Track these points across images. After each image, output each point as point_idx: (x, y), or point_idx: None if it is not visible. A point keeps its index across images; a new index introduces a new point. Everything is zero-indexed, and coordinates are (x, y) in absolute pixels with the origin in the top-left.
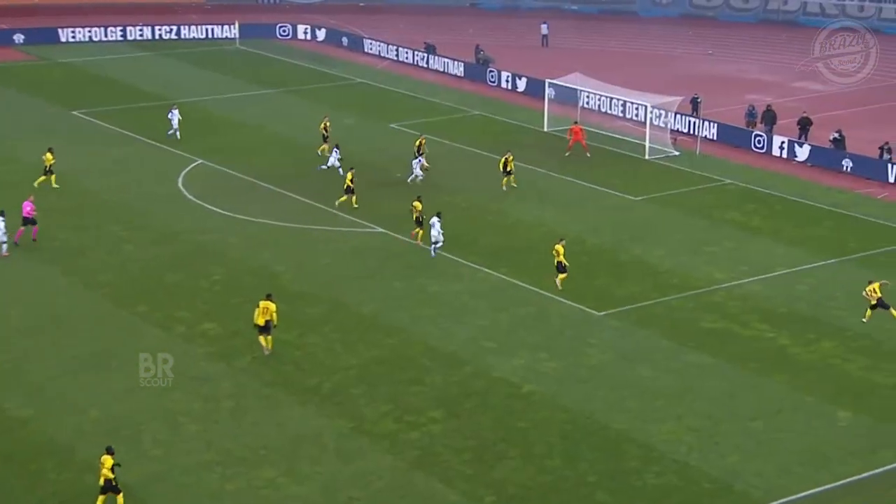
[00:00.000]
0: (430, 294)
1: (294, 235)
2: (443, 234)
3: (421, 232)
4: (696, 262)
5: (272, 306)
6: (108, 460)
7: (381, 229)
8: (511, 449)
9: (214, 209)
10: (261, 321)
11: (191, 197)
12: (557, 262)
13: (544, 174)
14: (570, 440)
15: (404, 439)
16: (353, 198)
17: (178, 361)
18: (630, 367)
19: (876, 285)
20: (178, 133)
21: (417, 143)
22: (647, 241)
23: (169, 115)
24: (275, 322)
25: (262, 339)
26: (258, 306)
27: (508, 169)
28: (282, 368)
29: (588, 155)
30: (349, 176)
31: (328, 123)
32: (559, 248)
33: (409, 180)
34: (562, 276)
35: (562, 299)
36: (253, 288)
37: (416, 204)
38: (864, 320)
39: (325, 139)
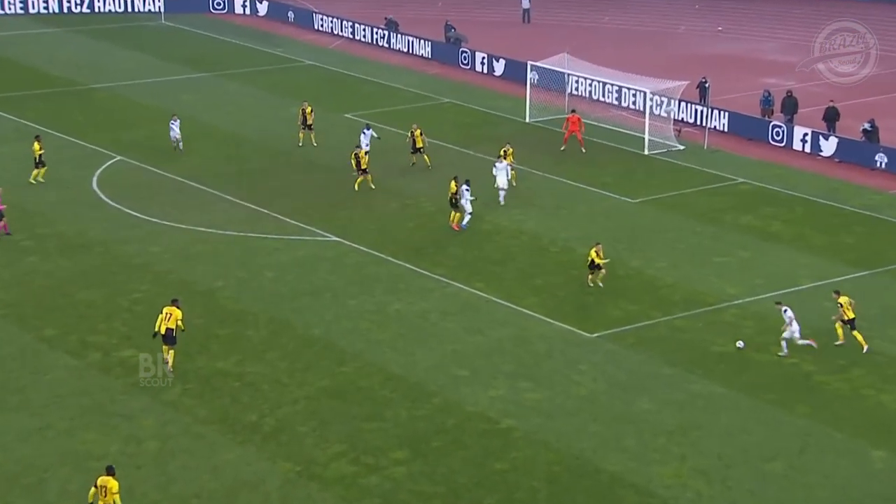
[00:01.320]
0: (392, 313)
1: (232, 245)
2: (472, 203)
3: (457, 216)
4: (704, 275)
5: (178, 313)
6: (112, 483)
7: (334, 237)
8: (488, 495)
9: (136, 214)
10: (162, 329)
11: (107, 199)
12: (591, 260)
13: (526, 172)
14: (557, 484)
15: (362, 485)
16: (369, 177)
17: (92, 396)
18: (627, 399)
19: (846, 300)
20: (180, 144)
21: (410, 133)
22: (646, 251)
23: (171, 126)
24: (182, 327)
25: (165, 350)
26: (161, 312)
27: (508, 161)
28: (217, 402)
29: (583, 150)
30: (362, 154)
31: (309, 109)
32: (594, 252)
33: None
34: (598, 273)
35: (547, 319)
36: (186, 306)
37: (452, 184)
38: (866, 349)
39: (306, 127)
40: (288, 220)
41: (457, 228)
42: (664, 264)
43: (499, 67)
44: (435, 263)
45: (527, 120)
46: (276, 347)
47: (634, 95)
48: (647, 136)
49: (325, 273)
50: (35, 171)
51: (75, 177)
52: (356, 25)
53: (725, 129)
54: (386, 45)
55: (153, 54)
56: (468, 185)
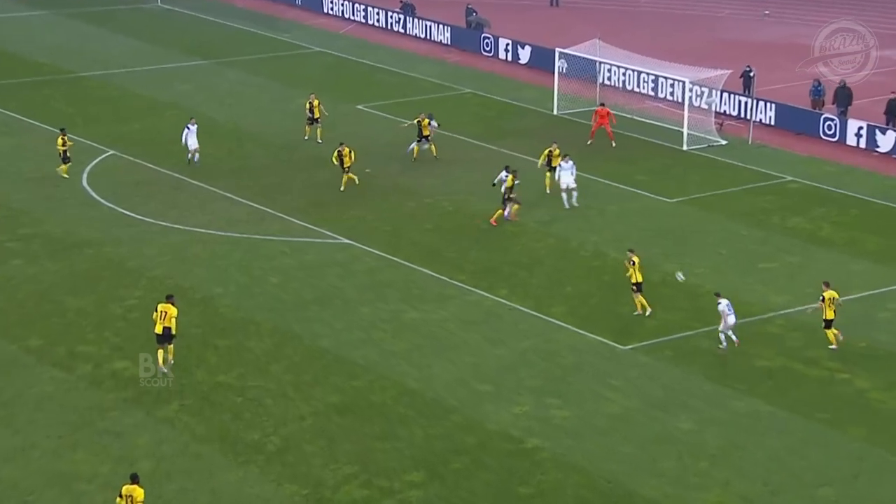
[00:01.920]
0: (408, 322)
1: (233, 247)
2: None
3: (500, 212)
4: (747, 283)
5: (172, 310)
6: (138, 492)
7: (344, 239)
8: None
9: (129, 213)
10: (159, 328)
11: (98, 197)
12: (632, 281)
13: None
14: None
15: None
16: (353, 176)
17: (80, 412)
18: (663, 418)
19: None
20: (197, 156)
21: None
22: (684, 256)
23: (184, 133)
24: (174, 331)
25: (160, 352)
26: (155, 310)
27: (553, 165)
28: (217, 419)
29: (613, 145)
30: (346, 152)
31: (317, 102)
32: (636, 259)
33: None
34: (639, 297)
35: (577, 330)
36: (182, 315)
37: (510, 178)
38: (832, 347)
39: (313, 121)
40: (294, 220)
41: (515, 218)
42: (704, 270)
43: (524, 55)
44: (454, 268)
45: (554, 112)
46: (280, 359)
47: (672, 85)
48: (685, 130)
49: (334, 278)
50: (64, 166)
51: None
52: (369, 9)
53: (772, 123)
54: (401, 31)
55: (148, 40)
56: (509, 172)
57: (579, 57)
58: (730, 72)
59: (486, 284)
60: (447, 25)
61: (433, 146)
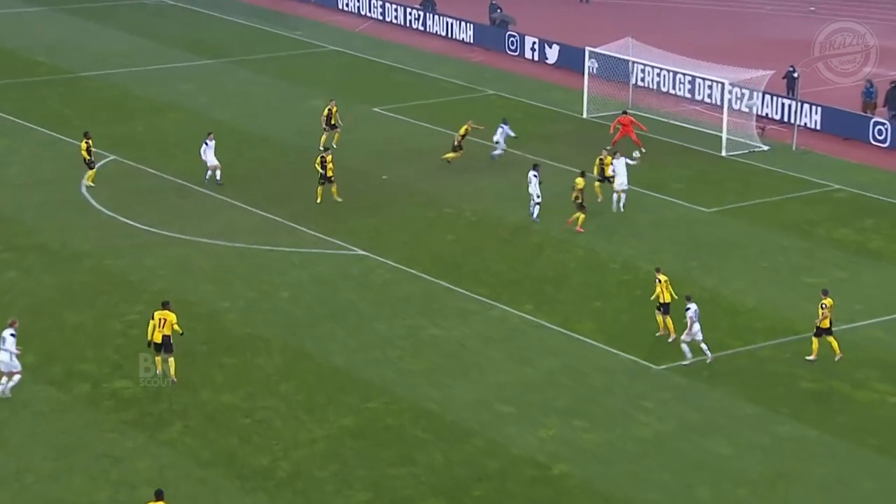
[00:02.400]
0: (426, 339)
1: (241, 259)
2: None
3: (581, 217)
4: (791, 299)
5: (172, 316)
6: None
7: (359, 251)
8: None
9: (130, 222)
10: (157, 337)
11: (97, 205)
12: (659, 301)
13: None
14: None
15: None
16: (334, 188)
17: (78, 434)
18: (700, 442)
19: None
20: (218, 173)
21: (463, 130)
22: (723, 269)
23: (203, 148)
24: (179, 330)
25: (157, 360)
26: (152, 318)
27: (606, 175)
28: (224, 442)
29: (643, 150)
30: (329, 159)
31: (335, 109)
32: (663, 278)
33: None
34: (667, 319)
35: (607, 348)
36: (186, 331)
37: (579, 181)
38: (810, 357)
39: (332, 126)
40: (306, 229)
41: (580, 230)
42: (744, 285)
43: (552, 54)
44: (476, 282)
45: (584, 115)
46: (291, 379)
47: (710, 87)
48: (724, 135)
49: (348, 292)
50: (92, 172)
51: (61, 178)
52: (387, 5)
53: (818, 127)
54: (421, 28)
55: (151, 37)
56: (537, 172)
57: (611, 56)
58: (772, 72)
59: (509, 299)
60: (470, 23)
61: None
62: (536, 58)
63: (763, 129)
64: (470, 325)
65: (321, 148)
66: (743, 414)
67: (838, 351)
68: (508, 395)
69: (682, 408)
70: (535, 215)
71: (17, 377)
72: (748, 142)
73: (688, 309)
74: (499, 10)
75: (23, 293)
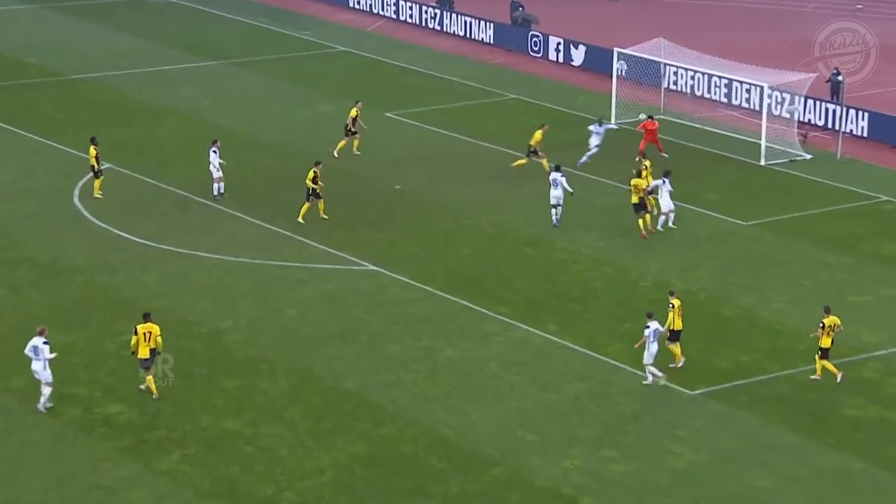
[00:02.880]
0: (443, 361)
1: (245, 275)
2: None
3: (648, 217)
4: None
5: (156, 329)
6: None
7: (371, 266)
8: None
9: (126, 235)
10: (144, 352)
11: (90, 217)
12: (670, 328)
13: (611, 187)
14: None
15: None
16: (321, 204)
17: (69, 462)
18: (736, 474)
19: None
20: (222, 186)
21: (538, 135)
22: (762, 288)
23: (210, 157)
24: (160, 347)
25: (150, 379)
26: (135, 333)
27: (648, 188)
28: (225, 471)
29: (665, 156)
30: (311, 175)
31: (359, 113)
32: (676, 302)
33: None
34: (674, 348)
35: (637, 372)
36: (185, 352)
37: (638, 182)
38: (814, 377)
39: (349, 133)
40: (313, 243)
41: (647, 235)
42: (784, 304)
43: (578, 56)
44: (496, 300)
45: (612, 122)
46: (297, 403)
47: (748, 91)
48: (763, 143)
49: (359, 310)
50: (96, 183)
51: (52, 188)
52: (401, 2)
53: (864, 134)
54: (437, 28)
55: (149, 37)
56: (561, 172)
57: (641, 58)
58: (815, 75)
59: (532, 319)
60: (489, 22)
61: (544, 161)
62: (561, 59)
63: (805, 137)
64: (489, 347)
65: (335, 155)
66: (783, 443)
67: (818, 374)
68: (531, 421)
69: (717, 436)
70: (556, 219)
71: (48, 390)
72: (789, 150)
73: (647, 327)
74: (520, 9)
75: (10, 311)
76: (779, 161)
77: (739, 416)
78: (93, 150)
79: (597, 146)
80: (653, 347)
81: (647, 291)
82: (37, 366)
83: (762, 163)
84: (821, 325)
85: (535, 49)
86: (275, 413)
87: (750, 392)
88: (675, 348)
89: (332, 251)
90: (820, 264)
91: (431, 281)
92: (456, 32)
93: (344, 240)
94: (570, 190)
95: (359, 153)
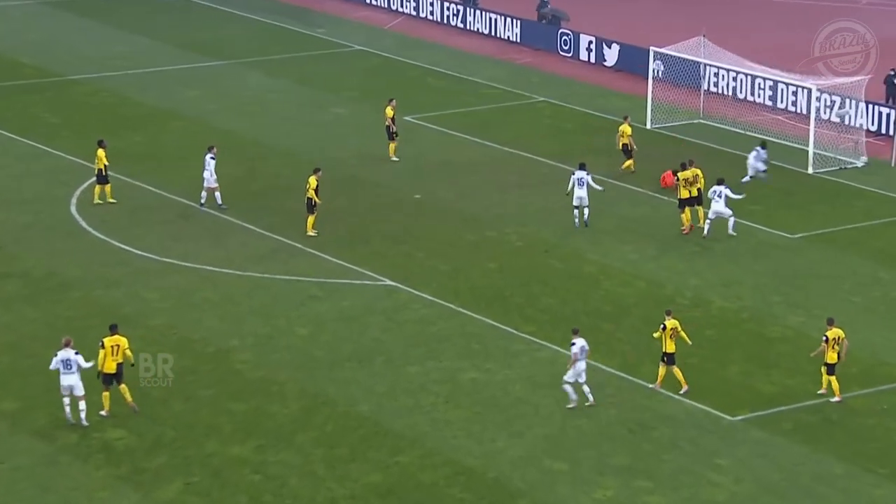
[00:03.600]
0: (465, 384)
1: (253, 290)
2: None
3: (689, 217)
4: (889, 339)
5: (125, 341)
6: None
7: (389, 281)
8: None
9: (126, 247)
10: (110, 367)
11: (89, 227)
12: (664, 350)
13: (646, 197)
14: None
15: None
16: (311, 219)
17: (63, 492)
18: None
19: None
20: (218, 195)
21: (621, 131)
22: (809, 305)
23: (205, 164)
24: (131, 361)
25: (106, 396)
26: (102, 347)
27: (695, 193)
28: (231, 501)
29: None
30: (313, 184)
31: (394, 112)
32: (670, 323)
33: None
34: (668, 371)
35: (673, 396)
36: (189, 373)
37: (687, 172)
38: (821, 391)
39: (392, 136)
40: (327, 256)
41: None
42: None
43: (611, 55)
44: (523, 318)
45: (648, 126)
46: (309, 429)
47: (795, 93)
48: (811, 149)
49: (376, 330)
50: (99, 188)
51: (48, 197)
52: None
53: None
54: (461, 25)
55: (151, 35)
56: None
57: (679, 58)
58: (869, 77)
59: (561, 338)
60: (516, 19)
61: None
62: (593, 59)
63: (858, 143)
64: (515, 369)
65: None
66: (831, 474)
67: (837, 393)
68: (560, 449)
69: (760, 466)
70: (578, 222)
71: (84, 403)
72: (840, 157)
73: (573, 344)
74: (548, 5)
75: (2, 329)
76: (828, 169)
77: (784, 444)
78: (101, 153)
79: (760, 167)
80: (579, 366)
81: (684, 309)
82: (71, 380)
83: (809, 171)
84: (824, 338)
85: (565, 48)
86: (284, 439)
87: (795, 419)
88: (662, 371)
89: (348, 265)
90: (872, 280)
91: (454, 298)
92: (480, 30)
93: (360, 253)
94: (600, 188)
95: (396, 159)
